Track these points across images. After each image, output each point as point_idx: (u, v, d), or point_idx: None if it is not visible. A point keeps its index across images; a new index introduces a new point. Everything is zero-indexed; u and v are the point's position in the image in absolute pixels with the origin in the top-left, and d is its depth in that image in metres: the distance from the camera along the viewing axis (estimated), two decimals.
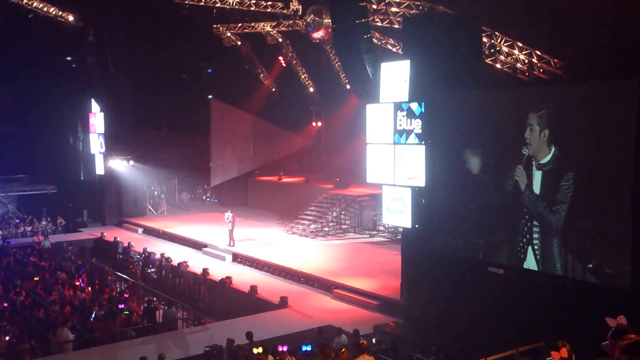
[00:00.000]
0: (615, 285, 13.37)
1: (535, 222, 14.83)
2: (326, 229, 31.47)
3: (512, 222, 15.49)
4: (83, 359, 17.21)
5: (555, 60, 22.01)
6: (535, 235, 14.84)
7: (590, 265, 13.90)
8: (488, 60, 22.57)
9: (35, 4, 32.60)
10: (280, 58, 40.44)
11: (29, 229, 37.08)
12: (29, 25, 33.63)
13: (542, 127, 14.48)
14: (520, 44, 22.62)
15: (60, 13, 34.18)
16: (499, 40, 22.74)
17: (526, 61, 22.54)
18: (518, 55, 22.66)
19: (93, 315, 19.51)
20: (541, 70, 22.35)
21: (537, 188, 14.71)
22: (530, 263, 14.97)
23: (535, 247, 14.85)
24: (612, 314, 6.52)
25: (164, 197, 42.95)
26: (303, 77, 40.56)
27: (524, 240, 15.12)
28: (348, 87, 31.79)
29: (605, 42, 18.14)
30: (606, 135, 13.53)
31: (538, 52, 22.32)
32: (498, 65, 22.94)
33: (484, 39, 21.78)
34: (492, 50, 22.70)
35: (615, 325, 6.32)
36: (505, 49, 22.79)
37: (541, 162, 14.60)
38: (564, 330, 11.54)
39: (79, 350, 17.62)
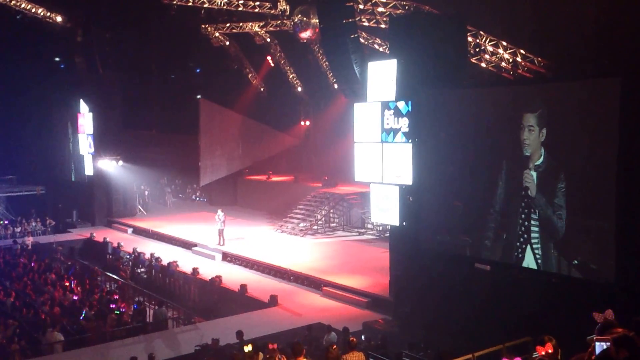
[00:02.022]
0: (600, 281, 13.58)
1: (532, 222, 14.93)
2: (315, 227, 31.62)
3: (508, 221, 15.58)
4: (73, 359, 17.26)
5: (539, 59, 22.26)
6: (534, 236, 14.95)
7: (576, 262, 14.11)
8: (473, 60, 22.80)
9: (23, 5, 32.51)
10: (269, 58, 40.52)
11: (18, 230, 37.00)
12: (17, 26, 33.55)
13: (540, 127, 14.57)
14: (504, 43, 22.87)
15: (48, 14, 34.09)
16: (483, 40, 22.99)
17: (511, 60, 22.80)
18: (503, 54, 22.92)
19: (83, 314, 19.58)
20: (525, 69, 22.61)
21: (540, 191, 14.80)
22: (530, 262, 15.09)
23: (534, 246, 14.96)
24: (598, 309, 6.70)
25: (170, 190, 44.70)
26: (291, 76, 40.67)
27: (521, 239, 15.24)
28: (336, 86, 31.98)
29: (588, 41, 18.37)
30: (590, 133, 13.73)
31: (522, 51, 22.58)
32: (483, 64, 23.19)
33: (469, 39, 22.00)
34: (477, 50, 22.95)
35: (602, 320, 6.51)
36: (490, 48, 23.04)
37: (536, 163, 14.77)
38: (551, 325, 11.71)
39: (69, 351, 17.63)
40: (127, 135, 39.06)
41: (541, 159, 14.63)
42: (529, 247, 15.08)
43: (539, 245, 14.86)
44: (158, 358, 15.49)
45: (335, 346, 10.88)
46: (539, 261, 14.86)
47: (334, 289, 21.94)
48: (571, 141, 14.11)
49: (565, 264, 14.33)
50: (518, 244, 15.32)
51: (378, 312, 19.74)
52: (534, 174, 14.80)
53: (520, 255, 15.29)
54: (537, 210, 14.80)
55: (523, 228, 15.18)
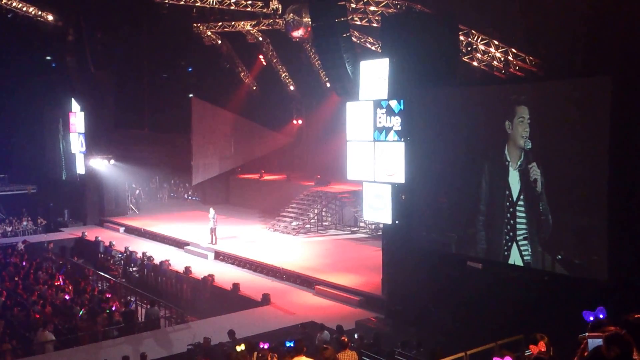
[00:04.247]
0: (593, 279, 13.64)
1: (518, 220, 14.99)
2: (308, 225, 31.63)
3: (494, 218, 15.66)
4: (65, 359, 17.19)
5: (531, 57, 22.33)
6: (520, 233, 15.00)
7: (559, 257, 14.16)
8: (465, 58, 22.85)
9: (14, 4, 32.35)
10: (261, 57, 40.52)
11: (9, 229, 36.85)
12: (8, 25, 33.41)
13: (531, 120, 14.61)
14: (496, 42, 22.93)
15: (39, 13, 33.96)
16: (475, 39, 23.04)
17: (502, 59, 22.85)
18: (494, 53, 22.97)
19: (81, 313, 19.54)
20: (517, 68, 22.68)
21: (526, 187, 14.84)
22: (516, 259, 15.17)
23: (520, 243, 15.02)
24: (590, 307, 6.74)
25: (166, 186, 45.93)
26: (283, 75, 40.68)
27: (507, 237, 15.30)
28: (328, 85, 32.02)
29: (580, 40, 18.41)
30: (580, 130, 13.79)
31: (514, 50, 22.64)
32: (475, 63, 23.24)
33: (461, 37, 22.05)
34: (468, 49, 22.98)
35: (593, 319, 6.55)
36: (482, 47, 23.08)
37: (522, 160, 14.81)
38: (544, 323, 11.76)
39: (61, 350, 17.57)
40: (118, 134, 38.94)
41: (528, 156, 14.71)
42: (514, 244, 15.15)
43: (525, 242, 14.93)
44: (150, 357, 15.49)
45: (330, 347, 10.89)
46: (526, 258, 14.93)
47: (327, 288, 21.96)
48: (560, 138, 14.17)
49: (549, 259, 14.40)
50: (504, 241, 15.40)
51: (371, 311, 19.76)
52: (519, 172, 14.86)
53: (506, 253, 15.37)
54: (523, 207, 14.86)
55: (509, 226, 15.25)
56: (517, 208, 14.98)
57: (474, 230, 16.13)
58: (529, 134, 14.60)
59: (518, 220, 15.04)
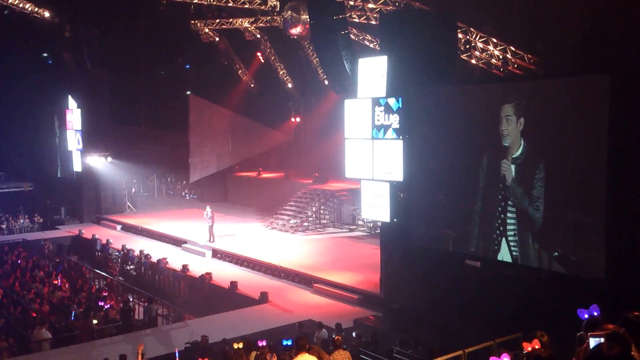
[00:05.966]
0: (590, 277, 13.61)
1: (509, 215, 14.99)
2: (306, 223, 31.57)
3: (487, 214, 15.66)
4: (62, 357, 17.12)
5: (529, 55, 22.30)
6: (510, 227, 15.00)
7: (556, 254, 14.13)
8: (463, 56, 22.82)
9: (10, 0, 32.28)
10: (259, 54, 40.48)
11: (4, 226, 36.75)
12: (5, 21, 33.34)
13: (517, 117, 14.58)
14: (494, 40, 22.89)
15: (36, 9, 33.90)
16: (474, 36, 23.01)
17: (501, 57, 22.82)
18: (493, 50, 22.94)
19: (73, 314, 19.46)
20: (515, 66, 22.65)
21: (517, 181, 14.86)
22: (505, 255, 15.15)
23: (510, 239, 15.02)
24: (588, 305, 6.71)
25: (164, 183, 46.47)
26: (281, 73, 40.64)
27: (497, 232, 15.29)
28: (326, 82, 31.95)
29: (578, 38, 18.40)
30: (577, 128, 13.74)
31: (512, 48, 22.61)
32: (473, 61, 23.21)
33: (460, 35, 22.00)
34: (467, 46, 22.94)
35: (588, 318, 6.52)
36: (480, 45, 23.04)
37: (514, 155, 14.80)
38: (543, 321, 11.73)
39: (58, 349, 17.54)
40: (116, 132, 38.83)
41: (520, 150, 14.68)
42: (504, 239, 15.12)
43: (515, 238, 14.89)
44: (148, 356, 15.40)
45: (314, 346, 10.79)
46: (515, 254, 14.89)
47: (325, 286, 21.92)
48: (555, 135, 14.11)
49: (545, 257, 14.36)
50: (494, 236, 15.36)
51: (369, 309, 19.74)
52: (512, 165, 14.84)
53: (496, 248, 15.33)
54: (513, 202, 14.85)
55: (499, 220, 15.23)
56: (509, 202, 14.97)
57: (470, 227, 16.10)
58: (519, 132, 14.58)
59: (509, 215, 14.99)
